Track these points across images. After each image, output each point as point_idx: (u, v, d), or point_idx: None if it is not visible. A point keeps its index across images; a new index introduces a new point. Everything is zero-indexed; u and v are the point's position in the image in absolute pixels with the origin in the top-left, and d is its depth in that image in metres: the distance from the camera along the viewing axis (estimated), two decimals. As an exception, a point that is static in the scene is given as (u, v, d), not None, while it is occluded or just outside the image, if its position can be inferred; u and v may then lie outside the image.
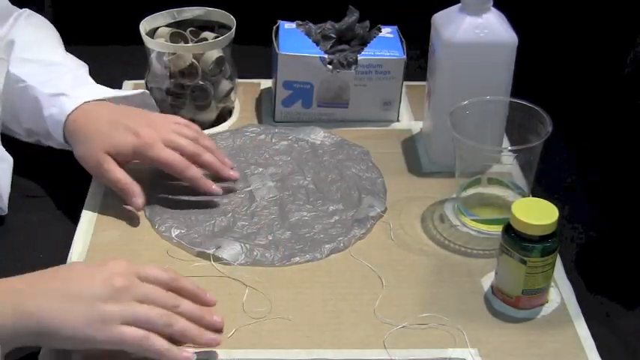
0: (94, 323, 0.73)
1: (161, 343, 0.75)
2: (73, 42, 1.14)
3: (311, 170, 1.04)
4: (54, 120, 0.99)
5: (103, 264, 0.78)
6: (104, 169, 0.96)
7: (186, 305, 0.79)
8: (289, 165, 1.05)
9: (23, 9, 1.11)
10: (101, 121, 0.98)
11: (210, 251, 0.90)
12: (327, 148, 1.08)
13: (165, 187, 1.00)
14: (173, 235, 0.93)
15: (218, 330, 0.80)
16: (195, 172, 0.97)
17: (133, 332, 0.74)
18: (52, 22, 1.16)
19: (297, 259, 0.90)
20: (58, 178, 1.04)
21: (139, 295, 0.76)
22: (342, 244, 0.92)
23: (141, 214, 0.97)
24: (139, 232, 0.95)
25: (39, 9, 1.17)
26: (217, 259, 0.90)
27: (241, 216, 0.96)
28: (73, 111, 0.98)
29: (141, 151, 0.96)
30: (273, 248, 0.91)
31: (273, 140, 1.09)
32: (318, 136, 1.10)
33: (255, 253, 0.90)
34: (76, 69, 1.07)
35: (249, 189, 1.01)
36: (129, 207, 0.97)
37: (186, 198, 0.99)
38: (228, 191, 1.00)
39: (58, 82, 1.02)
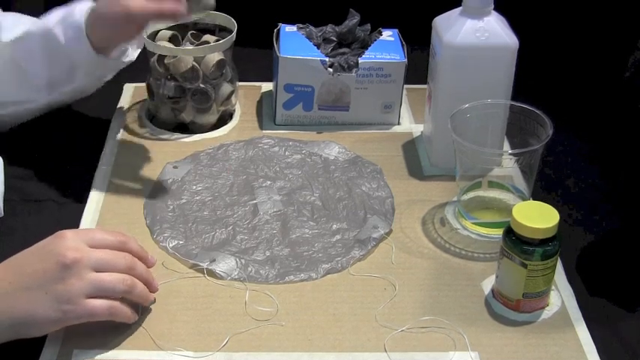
0: (60, 306, 0.76)
1: (125, 311, 0.80)
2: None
3: (320, 186, 1.03)
4: (71, 38, 1.02)
5: (49, 243, 0.78)
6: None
7: (140, 268, 0.82)
8: (299, 179, 1.04)
9: None
10: None
11: (204, 265, 0.90)
12: (339, 164, 1.07)
13: (171, 197, 1.00)
14: (169, 247, 0.93)
15: (155, 291, 0.84)
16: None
17: (99, 305, 0.77)
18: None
19: (292, 277, 0.89)
20: (57, 182, 1.04)
21: (93, 263, 0.77)
22: (339, 265, 0.91)
23: (142, 220, 0.97)
24: (139, 237, 0.94)
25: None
26: (211, 273, 0.89)
27: (242, 229, 0.95)
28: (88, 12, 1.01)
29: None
30: (268, 265, 0.90)
31: (287, 153, 1.09)
32: (333, 151, 1.09)
33: (249, 269, 0.89)
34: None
35: (254, 202, 1.00)
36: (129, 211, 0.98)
37: (189, 212, 0.99)
38: (232, 203, 1.00)
39: (55, 14, 1.05)
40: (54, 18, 1.05)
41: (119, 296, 0.79)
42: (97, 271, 0.77)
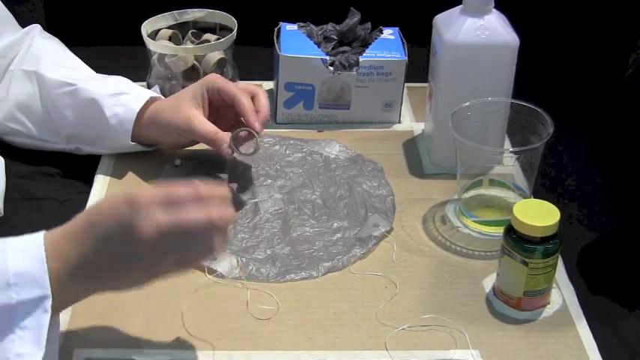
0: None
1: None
2: (75, 43, 1.14)
3: (321, 185, 1.03)
4: (120, 118, 0.99)
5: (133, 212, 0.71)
6: (194, 125, 0.97)
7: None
8: (300, 178, 1.04)
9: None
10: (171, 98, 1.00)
11: (205, 263, 0.89)
12: (340, 163, 1.07)
13: None
14: None
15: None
16: None
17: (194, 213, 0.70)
18: (54, 23, 1.16)
19: (292, 275, 0.89)
20: (59, 181, 1.04)
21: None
22: (340, 264, 0.91)
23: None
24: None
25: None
26: (212, 272, 0.89)
27: (243, 228, 0.95)
28: (142, 107, 0.99)
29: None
30: (269, 263, 0.90)
31: (287, 152, 1.09)
32: (334, 149, 1.09)
33: (250, 268, 0.89)
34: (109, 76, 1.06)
35: (255, 200, 1.00)
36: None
37: None
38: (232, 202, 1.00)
39: (107, 82, 1.02)
40: (107, 86, 1.01)
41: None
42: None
